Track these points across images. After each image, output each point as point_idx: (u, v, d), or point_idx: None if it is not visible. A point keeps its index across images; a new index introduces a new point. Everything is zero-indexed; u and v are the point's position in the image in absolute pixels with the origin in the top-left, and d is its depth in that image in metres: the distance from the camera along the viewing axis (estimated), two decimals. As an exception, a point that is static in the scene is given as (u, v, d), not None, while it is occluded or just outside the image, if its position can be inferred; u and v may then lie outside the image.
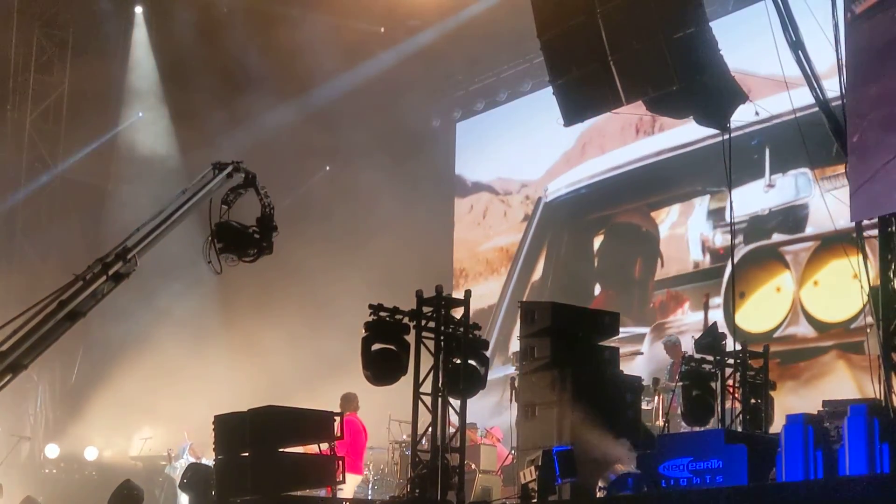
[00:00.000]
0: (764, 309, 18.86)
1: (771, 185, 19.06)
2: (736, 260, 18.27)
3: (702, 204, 20.66)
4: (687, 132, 19.01)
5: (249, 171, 11.38)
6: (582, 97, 13.21)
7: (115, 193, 24.78)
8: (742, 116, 13.18)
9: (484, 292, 24.00)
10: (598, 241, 22.85)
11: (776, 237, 19.05)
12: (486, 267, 25.22)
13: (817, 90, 11.55)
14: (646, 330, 20.89)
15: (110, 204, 24.55)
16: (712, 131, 13.28)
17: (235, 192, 11.26)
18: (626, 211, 22.29)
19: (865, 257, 10.86)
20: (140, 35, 25.03)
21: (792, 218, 18.87)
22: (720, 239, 20.06)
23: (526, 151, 24.54)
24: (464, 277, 25.23)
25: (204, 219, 11.06)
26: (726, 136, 12.95)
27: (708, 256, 20.48)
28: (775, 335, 18.41)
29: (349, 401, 15.60)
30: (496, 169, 25.59)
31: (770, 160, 18.94)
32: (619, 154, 22.29)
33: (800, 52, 11.69)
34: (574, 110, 13.43)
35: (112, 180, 25.13)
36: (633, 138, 22.12)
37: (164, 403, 21.77)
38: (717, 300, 19.33)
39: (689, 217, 20.93)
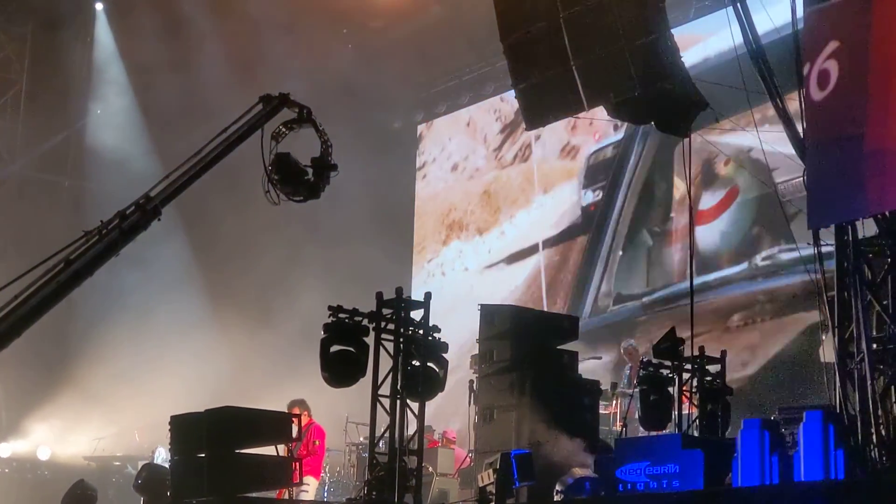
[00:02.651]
0: None
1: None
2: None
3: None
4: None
5: (303, 105, 10.87)
6: (544, 101, 13.24)
7: (73, 190, 24.59)
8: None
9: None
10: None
11: None
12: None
13: (777, 99, 11.63)
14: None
15: (68, 200, 24.36)
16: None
17: (288, 127, 10.71)
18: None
19: (822, 264, 10.95)
20: (101, 33, 24.86)
21: None
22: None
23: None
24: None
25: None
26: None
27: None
28: None
29: (304, 406, 15.41)
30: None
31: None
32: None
33: (760, 60, 11.76)
34: (537, 114, 13.47)
35: (70, 177, 24.92)
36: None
37: (119, 403, 21.60)
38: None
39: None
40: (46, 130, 24.44)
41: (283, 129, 10.59)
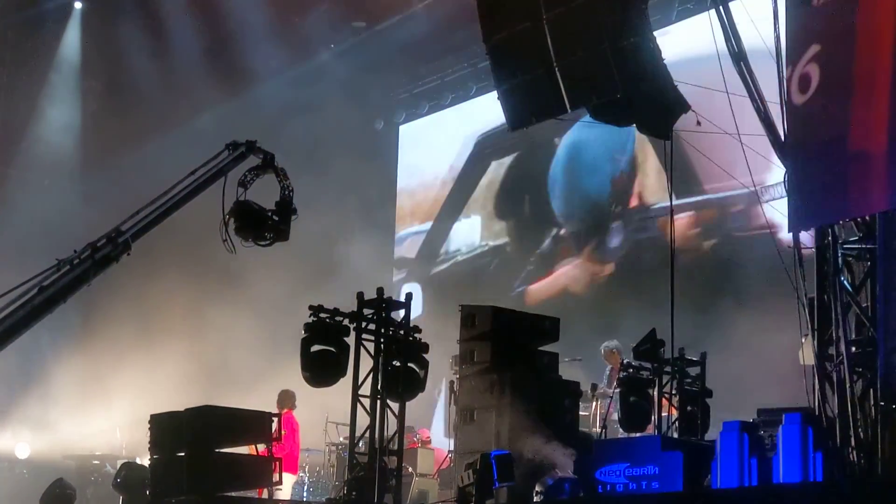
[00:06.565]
0: None
1: None
2: None
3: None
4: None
5: (267, 151, 11.12)
6: (527, 103, 13.25)
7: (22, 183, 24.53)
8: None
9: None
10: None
11: None
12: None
13: (758, 101, 11.67)
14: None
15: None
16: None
17: (253, 173, 10.99)
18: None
19: (802, 267, 10.98)
20: (72, 30, 24.78)
21: None
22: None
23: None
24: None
25: (212, 203, 10.78)
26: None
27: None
28: None
29: (289, 398, 15.59)
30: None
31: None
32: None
33: (742, 63, 11.80)
34: (519, 116, 13.47)
35: (17, 169, 24.84)
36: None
37: (98, 401, 21.51)
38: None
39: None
40: (21, 128, 24.43)
41: (250, 176, 10.89)
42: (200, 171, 10.70)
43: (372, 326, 12.17)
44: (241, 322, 21.74)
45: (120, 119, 23.99)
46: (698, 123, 13.45)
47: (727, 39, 11.92)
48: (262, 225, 10.98)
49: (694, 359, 14.11)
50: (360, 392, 12.11)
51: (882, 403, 9.80)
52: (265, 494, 12.80)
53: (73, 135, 24.90)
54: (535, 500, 11.51)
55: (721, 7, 12.03)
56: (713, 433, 12.53)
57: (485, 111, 22.93)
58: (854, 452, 9.88)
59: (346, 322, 12.06)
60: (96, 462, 20.38)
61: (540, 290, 22.62)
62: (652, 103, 12.73)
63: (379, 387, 12.06)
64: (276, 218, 11.04)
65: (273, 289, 21.58)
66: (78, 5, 24.66)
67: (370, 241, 23.94)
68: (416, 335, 12.33)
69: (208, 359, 21.69)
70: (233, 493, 11.69)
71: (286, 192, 11.13)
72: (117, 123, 23.97)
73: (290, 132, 22.79)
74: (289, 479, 15.78)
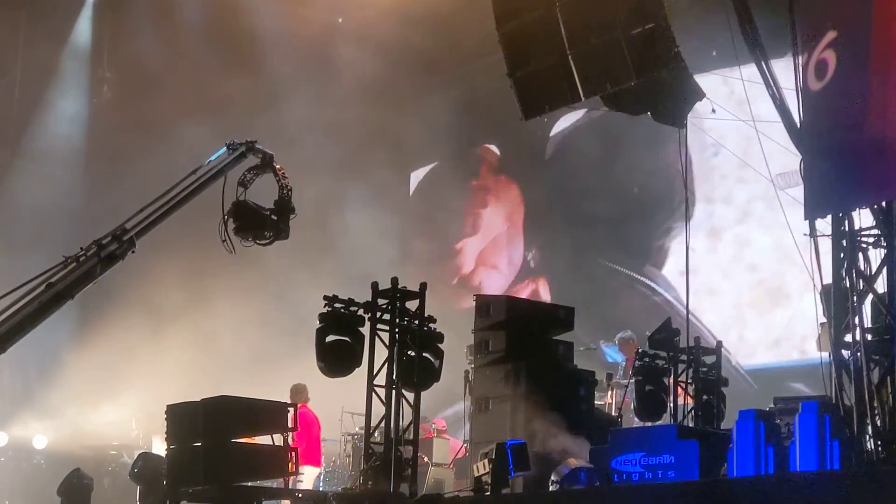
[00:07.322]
0: None
1: None
2: None
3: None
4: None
5: (266, 151, 11.21)
6: (540, 91, 13.22)
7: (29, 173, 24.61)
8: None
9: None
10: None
11: None
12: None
13: (773, 88, 11.61)
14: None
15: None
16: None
17: (253, 173, 11.08)
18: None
19: (818, 255, 10.93)
20: (84, 18, 24.80)
21: None
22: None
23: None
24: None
25: (218, 197, 10.86)
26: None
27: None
28: None
29: (299, 392, 15.58)
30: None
31: None
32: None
33: (757, 50, 11.73)
34: (532, 104, 13.44)
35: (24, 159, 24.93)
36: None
37: (115, 392, 21.58)
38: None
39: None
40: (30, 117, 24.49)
41: (249, 176, 10.97)
42: (201, 171, 10.78)
43: (387, 316, 12.16)
44: (251, 308, 21.78)
45: (130, 110, 24.02)
46: (713, 111, 13.42)
47: (742, 26, 11.84)
48: (261, 224, 11.06)
49: (710, 347, 14.09)
50: (375, 382, 12.10)
51: (899, 391, 9.77)
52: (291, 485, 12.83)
53: (81, 125, 24.97)
54: (550, 488, 11.51)
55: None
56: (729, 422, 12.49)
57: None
58: (871, 440, 9.85)
59: (360, 312, 12.05)
60: (113, 452, 20.46)
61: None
62: (667, 91, 12.69)
63: (394, 377, 12.05)
64: (274, 217, 11.11)
65: (289, 278, 21.61)
66: (90, -1, 24.76)
67: (385, 230, 23.94)
68: (430, 325, 12.31)
69: (217, 345, 21.71)
70: (249, 483, 11.70)
71: (285, 192, 11.20)
72: (127, 114, 24.02)
73: (302, 122, 22.81)
74: (312, 472, 15.80)
